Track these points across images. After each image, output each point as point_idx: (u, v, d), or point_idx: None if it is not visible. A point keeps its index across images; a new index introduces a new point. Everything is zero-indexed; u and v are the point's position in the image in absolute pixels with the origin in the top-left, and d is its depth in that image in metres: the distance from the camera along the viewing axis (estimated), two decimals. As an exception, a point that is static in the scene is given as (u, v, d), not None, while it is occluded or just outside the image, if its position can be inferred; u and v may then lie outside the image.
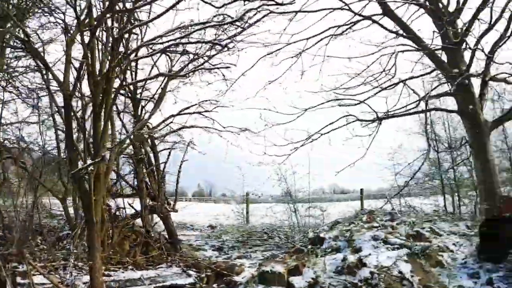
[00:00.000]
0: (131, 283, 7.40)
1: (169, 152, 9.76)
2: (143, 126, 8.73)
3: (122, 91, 9.00)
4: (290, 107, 10.73)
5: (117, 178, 9.94)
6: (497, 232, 7.29)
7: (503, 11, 9.34)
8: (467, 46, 10.19)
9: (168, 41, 6.75)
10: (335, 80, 11.15)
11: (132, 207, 9.55)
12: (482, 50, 9.84)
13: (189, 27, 6.59)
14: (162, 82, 9.30)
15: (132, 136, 8.17)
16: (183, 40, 6.86)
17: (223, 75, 8.84)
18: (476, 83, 10.68)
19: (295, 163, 12.54)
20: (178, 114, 9.92)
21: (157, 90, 9.35)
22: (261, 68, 10.72)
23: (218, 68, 8.14)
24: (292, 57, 11.05)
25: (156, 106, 8.99)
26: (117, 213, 9.20)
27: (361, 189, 18.60)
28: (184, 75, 8.57)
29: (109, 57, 6.19)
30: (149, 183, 9.42)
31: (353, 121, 10.67)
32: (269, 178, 13.12)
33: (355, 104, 10.84)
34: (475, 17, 9.96)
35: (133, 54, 7.40)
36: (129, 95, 9.56)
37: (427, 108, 10.88)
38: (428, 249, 7.94)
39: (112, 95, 6.53)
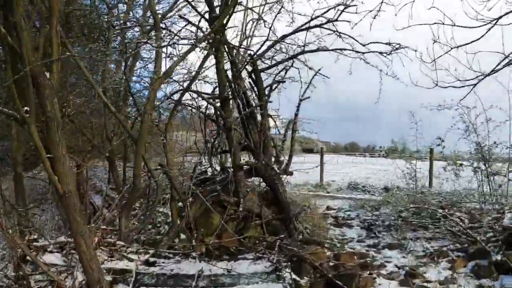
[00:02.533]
0: (174, 282, 4.87)
1: (271, 87, 6.62)
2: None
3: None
4: (473, 19, 6.11)
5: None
6: None
7: None
8: None
9: None
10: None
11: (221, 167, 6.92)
12: None
13: None
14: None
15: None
16: None
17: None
18: None
19: (489, 105, 8.13)
20: (294, 32, 6.72)
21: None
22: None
23: None
24: None
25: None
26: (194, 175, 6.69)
27: None
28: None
29: None
30: (250, 134, 6.52)
31: None
32: (453, 126, 8.82)
33: None
34: None
35: None
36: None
37: None
38: None
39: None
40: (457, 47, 6.43)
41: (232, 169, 6.33)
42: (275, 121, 7.43)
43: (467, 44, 6.32)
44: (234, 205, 6.13)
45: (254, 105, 6.48)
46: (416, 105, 9.14)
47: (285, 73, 7.15)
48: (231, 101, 6.67)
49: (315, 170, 17.30)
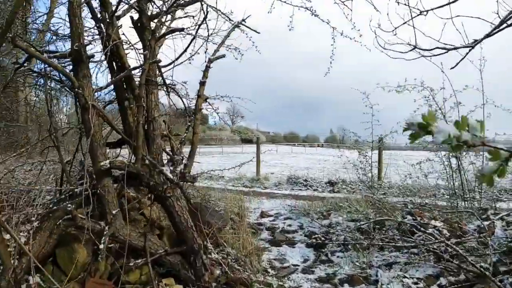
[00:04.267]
0: None
1: (153, 36, 3.93)
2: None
3: None
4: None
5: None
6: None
7: None
8: None
9: None
10: None
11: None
12: None
13: None
14: None
15: None
16: None
17: None
18: None
19: (458, 87, 6.64)
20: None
21: None
22: None
23: None
24: None
25: None
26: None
27: None
28: None
29: None
30: (126, 116, 3.85)
31: None
32: (416, 111, 7.00)
33: None
34: None
35: None
36: None
37: None
38: None
39: None
40: (427, 11, 4.15)
41: (93, 175, 3.57)
42: (182, 99, 4.76)
43: (441, 7, 4.04)
44: (96, 234, 3.41)
45: (130, 68, 3.75)
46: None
47: (198, 27, 4.57)
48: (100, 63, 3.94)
49: (253, 161, 15.00)
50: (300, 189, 12.13)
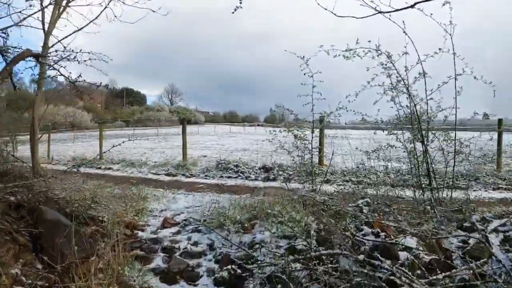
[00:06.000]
0: None
1: None
2: None
3: None
4: None
5: None
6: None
7: None
8: None
9: None
10: None
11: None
12: None
13: None
14: None
15: None
16: None
17: None
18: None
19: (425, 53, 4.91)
20: None
21: None
22: None
23: None
24: None
25: None
26: None
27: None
28: None
29: None
30: None
31: None
32: (370, 82, 5.22)
33: None
34: None
35: None
36: None
37: None
38: None
39: None
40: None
41: None
42: None
43: None
44: None
45: None
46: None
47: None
48: None
49: (190, 142, 12.66)
50: (230, 176, 10.04)
